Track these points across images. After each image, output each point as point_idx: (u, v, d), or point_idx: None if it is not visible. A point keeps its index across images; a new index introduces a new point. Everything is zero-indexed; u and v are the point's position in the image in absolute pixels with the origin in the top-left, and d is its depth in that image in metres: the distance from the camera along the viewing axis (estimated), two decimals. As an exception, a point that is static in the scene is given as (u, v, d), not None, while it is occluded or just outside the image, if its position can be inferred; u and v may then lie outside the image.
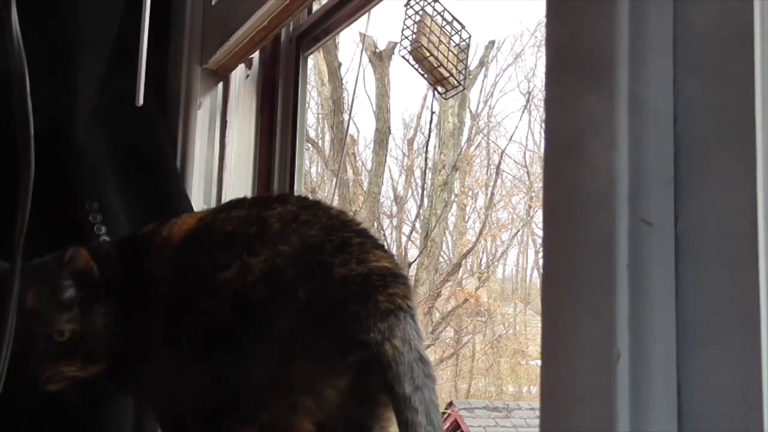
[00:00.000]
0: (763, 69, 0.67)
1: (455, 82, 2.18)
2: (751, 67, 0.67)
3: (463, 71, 2.24)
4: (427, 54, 2.13)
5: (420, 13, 2.17)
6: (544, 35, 0.82)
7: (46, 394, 1.39)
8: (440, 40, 2.15)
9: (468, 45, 2.23)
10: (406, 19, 2.16)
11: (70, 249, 1.17)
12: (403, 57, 2.18)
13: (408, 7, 2.17)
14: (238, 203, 1.13)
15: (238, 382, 0.99)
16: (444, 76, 2.17)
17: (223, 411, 0.99)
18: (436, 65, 2.14)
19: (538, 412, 0.77)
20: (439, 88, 2.23)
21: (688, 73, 0.72)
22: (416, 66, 2.17)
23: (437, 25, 2.18)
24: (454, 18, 2.22)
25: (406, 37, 2.16)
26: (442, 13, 2.19)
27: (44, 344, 1.13)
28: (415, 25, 2.16)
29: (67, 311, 1.14)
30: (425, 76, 2.20)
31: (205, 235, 1.09)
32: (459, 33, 2.22)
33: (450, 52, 2.18)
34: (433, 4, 2.18)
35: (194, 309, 1.04)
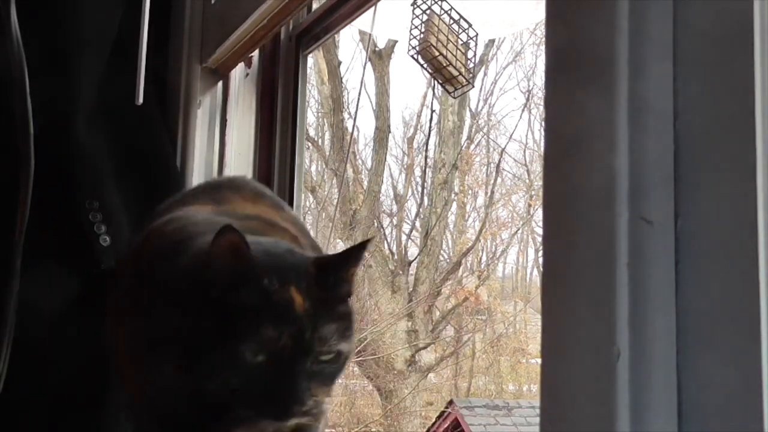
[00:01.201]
0: (763, 68, 0.67)
1: (464, 80, 2.18)
2: (750, 65, 0.67)
3: (471, 69, 2.24)
4: (436, 53, 2.13)
5: (428, 12, 2.17)
6: (544, 34, 0.82)
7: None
8: (448, 39, 2.15)
9: (476, 43, 2.23)
10: (413, 18, 2.16)
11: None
12: (412, 56, 2.17)
13: (415, 6, 2.16)
14: None
15: None
16: (453, 74, 2.17)
17: None
18: (445, 64, 2.14)
19: (538, 411, 0.77)
20: (448, 87, 2.23)
21: (688, 72, 0.72)
22: (425, 65, 2.17)
23: (445, 23, 2.18)
24: (461, 16, 2.21)
25: (414, 37, 2.16)
26: (449, 12, 2.19)
27: (311, 363, 0.97)
28: (423, 25, 2.16)
29: (342, 323, 1.00)
30: (434, 75, 2.20)
31: None
32: (466, 31, 2.22)
33: (458, 51, 2.18)
34: (440, 3, 2.17)
35: None
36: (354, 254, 1.03)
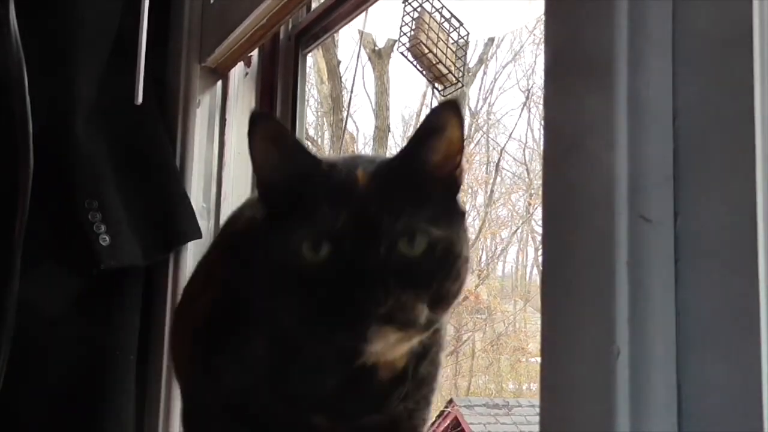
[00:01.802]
0: (763, 66, 0.67)
1: (453, 78, 2.19)
2: (750, 64, 0.67)
3: (462, 68, 2.24)
4: (426, 51, 2.13)
5: (418, 10, 2.18)
6: (543, 33, 0.82)
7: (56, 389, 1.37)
8: (438, 37, 2.16)
9: (466, 42, 2.23)
10: (404, 15, 2.17)
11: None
12: (402, 54, 2.18)
13: (406, 3, 2.17)
14: None
15: None
16: (443, 72, 2.17)
17: None
18: (434, 62, 2.14)
19: (538, 409, 0.77)
20: (438, 85, 2.23)
21: (687, 71, 0.72)
22: (415, 63, 2.17)
23: (435, 22, 2.19)
24: (452, 15, 2.22)
25: (405, 34, 2.17)
26: (440, 10, 2.20)
27: (386, 251, 0.78)
28: (414, 22, 2.17)
29: (432, 207, 0.82)
30: (424, 72, 2.20)
31: None
32: (457, 30, 2.22)
33: (448, 49, 2.18)
34: (431, 1, 2.18)
35: None
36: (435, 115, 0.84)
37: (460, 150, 0.85)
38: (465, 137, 0.84)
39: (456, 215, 0.86)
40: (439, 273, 0.81)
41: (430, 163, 0.84)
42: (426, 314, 0.80)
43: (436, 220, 0.81)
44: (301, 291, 0.80)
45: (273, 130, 0.86)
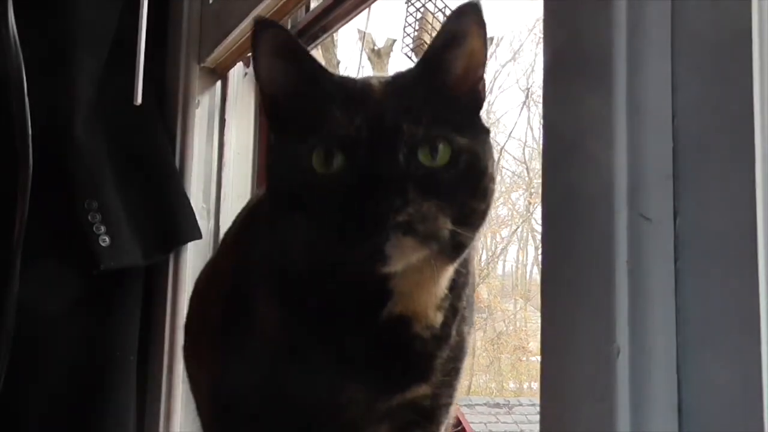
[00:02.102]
0: (762, 66, 0.67)
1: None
2: (749, 64, 0.67)
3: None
4: (429, 51, 2.13)
5: (421, 10, 2.17)
6: (542, 34, 0.82)
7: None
8: (441, 37, 2.16)
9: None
10: (407, 16, 2.17)
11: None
12: (406, 54, 2.18)
13: (409, 4, 2.17)
14: None
15: None
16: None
17: None
18: (437, 62, 2.14)
19: (539, 408, 0.77)
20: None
21: (686, 71, 0.72)
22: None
23: (438, 21, 2.19)
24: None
25: (408, 35, 2.17)
26: (443, 10, 2.20)
27: (405, 159, 0.72)
28: (417, 23, 2.17)
29: (456, 114, 0.76)
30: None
31: None
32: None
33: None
34: (434, 1, 2.18)
35: None
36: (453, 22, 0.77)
37: (483, 62, 0.80)
38: (488, 46, 0.79)
39: (480, 131, 0.79)
40: (463, 187, 0.74)
41: (451, 75, 0.78)
42: (449, 230, 0.72)
43: (460, 129, 0.74)
44: (314, 210, 0.73)
45: (280, 38, 0.78)
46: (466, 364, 0.89)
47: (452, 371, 0.85)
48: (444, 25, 0.79)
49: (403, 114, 0.73)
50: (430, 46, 0.79)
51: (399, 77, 0.80)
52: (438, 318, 0.82)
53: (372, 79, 0.79)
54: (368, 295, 0.78)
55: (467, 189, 0.75)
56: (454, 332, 0.84)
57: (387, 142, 0.72)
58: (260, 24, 0.77)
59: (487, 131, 0.81)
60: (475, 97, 0.81)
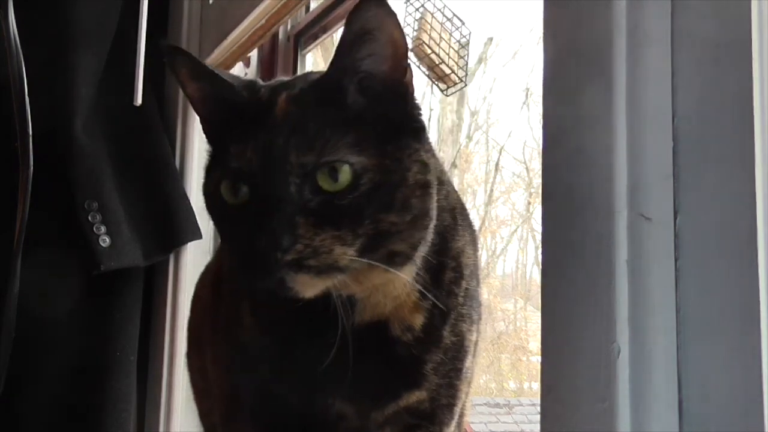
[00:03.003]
0: (761, 66, 0.67)
1: (456, 78, 2.19)
2: (749, 64, 0.67)
3: (464, 68, 2.24)
4: (429, 51, 2.13)
5: (420, 10, 2.17)
6: (542, 34, 0.82)
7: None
8: (441, 37, 2.15)
9: (468, 41, 2.23)
10: (406, 16, 2.16)
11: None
12: (405, 54, 2.18)
13: (408, 4, 2.17)
14: None
15: None
16: (446, 73, 2.17)
17: None
18: (437, 62, 2.14)
19: (539, 408, 0.77)
20: (441, 86, 2.23)
21: (686, 71, 0.72)
22: (418, 63, 2.17)
23: (438, 21, 2.18)
24: (454, 14, 2.22)
25: (408, 34, 2.17)
26: (442, 10, 2.19)
27: (297, 189, 0.69)
28: (416, 23, 2.17)
29: (357, 130, 0.70)
30: (427, 73, 2.20)
31: None
32: (459, 29, 2.22)
33: (451, 49, 2.18)
34: (433, 0, 2.18)
35: None
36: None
37: (404, 53, 0.74)
38: (405, 36, 0.73)
39: (404, 134, 0.73)
40: (374, 205, 0.69)
41: (370, 73, 0.73)
42: (350, 255, 0.69)
43: (364, 145, 0.69)
44: (227, 239, 0.74)
45: (193, 61, 0.77)
46: (472, 362, 0.87)
47: (452, 372, 0.83)
48: (349, 26, 0.71)
49: (293, 141, 0.69)
50: (337, 50, 0.74)
51: (309, 88, 0.74)
52: (417, 319, 0.80)
53: (280, 95, 0.73)
54: (332, 304, 0.74)
55: (379, 206, 0.70)
56: (446, 333, 0.81)
57: (276, 174, 0.69)
58: (171, 50, 0.77)
59: (419, 129, 0.76)
60: (403, 91, 0.76)
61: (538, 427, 0.76)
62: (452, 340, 0.83)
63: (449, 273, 0.82)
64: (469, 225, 0.89)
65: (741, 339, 0.64)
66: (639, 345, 0.69)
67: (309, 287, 0.70)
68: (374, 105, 0.73)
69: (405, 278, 0.77)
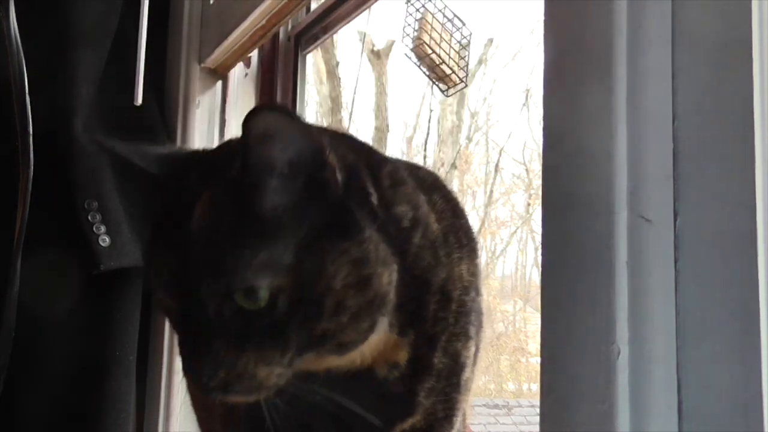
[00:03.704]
0: (762, 67, 0.67)
1: (457, 79, 2.19)
2: (749, 64, 0.67)
3: (465, 68, 2.24)
4: (429, 51, 2.13)
5: (421, 10, 2.18)
6: (542, 34, 0.82)
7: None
8: (441, 38, 2.16)
9: (469, 42, 2.23)
10: (407, 16, 2.17)
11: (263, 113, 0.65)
12: (406, 55, 2.18)
13: (409, 4, 2.17)
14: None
15: None
16: (446, 73, 2.17)
17: None
18: (438, 63, 2.15)
19: (538, 410, 0.77)
20: (441, 86, 2.23)
21: (686, 71, 0.72)
22: (419, 64, 2.18)
23: (438, 22, 2.19)
24: (455, 15, 2.22)
25: (408, 35, 2.17)
26: (442, 11, 2.20)
27: (216, 311, 0.66)
28: (417, 23, 2.17)
29: (271, 246, 0.66)
30: (427, 74, 2.20)
31: None
32: (460, 30, 2.22)
33: (451, 49, 2.18)
34: (433, 1, 2.18)
35: None
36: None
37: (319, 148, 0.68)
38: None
39: (330, 234, 0.68)
40: (292, 323, 0.66)
41: (284, 172, 0.67)
42: (278, 373, 0.67)
43: (278, 262, 0.65)
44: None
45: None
46: (471, 372, 0.86)
47: (448, 388, 0.82)
48: (245, 134, 0.65)
49: (205, 267, 0.65)
50: (242, 160, 0.67)
51: (226, 191, 0.68)
52: (401, 356, 0.78)
53: (204, 194, 0.68)
54: None
55: (305, 320, 0.67)
56: (437, 358, 0.79)
57: (193, 298, 0.66)
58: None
59: (346, 226, 0.69)
60: (322, 187, 0.68)
61: (537, 428, 0.76)
62: (444, 362, 0.81)
63: (432, 306, 0.79)
64: (464, 243, 0.85)
65: (741, 339, 0.64)
66: (639, 346, 0.69)
67: (244, 401, 0.70)
68: (293, 208, 0.67)
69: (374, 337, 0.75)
